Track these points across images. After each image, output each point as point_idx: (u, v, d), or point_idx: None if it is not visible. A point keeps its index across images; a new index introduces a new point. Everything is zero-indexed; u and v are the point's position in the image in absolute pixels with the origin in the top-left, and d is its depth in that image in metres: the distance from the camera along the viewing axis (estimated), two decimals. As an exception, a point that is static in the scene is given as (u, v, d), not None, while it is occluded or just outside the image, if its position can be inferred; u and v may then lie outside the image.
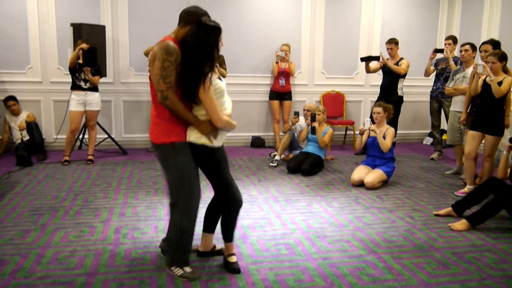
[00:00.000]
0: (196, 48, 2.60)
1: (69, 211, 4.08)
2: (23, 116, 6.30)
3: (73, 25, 6.01)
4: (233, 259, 3.02)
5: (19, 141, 6.15)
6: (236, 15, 7.00)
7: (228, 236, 3.04)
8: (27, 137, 6.18)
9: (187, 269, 2.89)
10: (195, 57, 2.60)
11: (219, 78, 2.80)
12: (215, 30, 2.67)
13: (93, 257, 3.14)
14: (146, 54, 5.96)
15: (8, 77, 6.38)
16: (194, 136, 2.74)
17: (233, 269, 2.96)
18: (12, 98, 6.21)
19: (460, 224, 3.82)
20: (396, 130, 6.24)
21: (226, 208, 2.96)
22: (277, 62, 6.90)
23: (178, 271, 2.87)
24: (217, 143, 2.79)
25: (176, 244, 2.88)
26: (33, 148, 6.11)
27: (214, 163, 2.81)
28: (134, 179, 5.16)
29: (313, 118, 5.64)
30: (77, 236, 3.52)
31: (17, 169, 5.51)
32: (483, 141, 4.75)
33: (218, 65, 6.08)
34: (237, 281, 2.86)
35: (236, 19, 7.00)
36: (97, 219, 3.89)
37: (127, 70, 6.77)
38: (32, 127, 6.25)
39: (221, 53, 6.38)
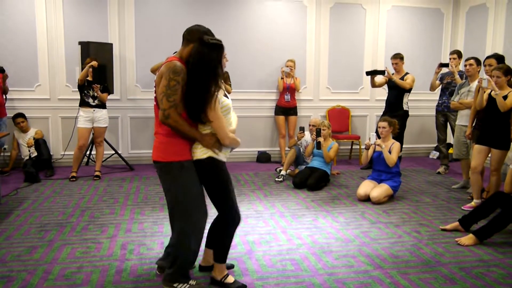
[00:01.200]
0: (200, 67, 2.62)
1: (76, 227, 4.10)
2: (31, 133, 6.37)
3: (81, 43, 6.12)
4: (231, 279, 2.97)
5: (27, 157, 6.22)
6: (241, 31, 7.08)
7: (221, 255, 2.95)
8: (35, 154, 6.25)
9: (192, 282, 2.89)
10: (200, 76, 2.62)
11: (225, 95, 2.83)
12: (218, 47, 2.68)
13: (100, 273, 3.15)
14: (153, 71, 6.04)
15: (17, 95, 6.48)
16: (199, 152, 2.76)
17: (239, 287, 2.94)
18: (21, 115, 6.29)
19: (467, 238, 3.80)
20: (402, 144, 6.23)
21: (226, 222, 2.90)
22: (282, 78, 6.95)
23: (184, 286, 2.87)
24: (222, 157, 2.80)
25: (182, 261, 2.87)
26: (41, 165, 6.16)
27: (220, 176, 2.81)
28: (141, 194, 5.19)
29: (318, 133, 5.66)
30: (84, 252, 3.53)
31: (25, 185, 5.56)
32: (489, 155, 4.74)
33: (223, 81, 6.17)
34: (242, 297, 2.85)
35: (241, 35, 7.08)
36: (104, 235, 3.91)
37: (134, 87, 6.84)
38: (40, 143, 6.32)
39: (226, 69, 6.52)
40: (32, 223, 4.18)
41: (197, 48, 2.65)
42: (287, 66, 6.92)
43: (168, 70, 2.61)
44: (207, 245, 3.16)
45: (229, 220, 2.88)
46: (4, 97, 6.11)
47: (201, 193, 2.82)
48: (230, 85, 6.41)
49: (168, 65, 2.64)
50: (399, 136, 6.03)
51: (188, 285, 2.86)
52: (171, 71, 2.60)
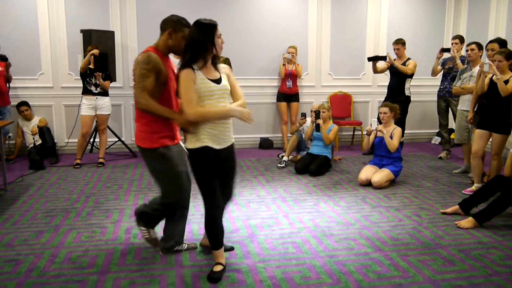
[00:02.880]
0: (190, 45, 2.75)
1: (81, 212, 4.17)
2: (35, 121, 6.43)
3: (83, 31, 6.14)
4: (216, 268, 2.96)
5: (32, 145, 6.28)
6: (242, 18, 7.08)
7: (211, 242, 3.00)
8: (39, 141, 6.31)
9: (152, 233, 3.22)
10: (187, 53, 2.74)
11: (217, 82, 2.82)
12: (210, 27, 2.79)
13: (105, 257, 3.22)
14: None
15: (20, 83, 6.52)
16: (189, 142, 2.83)
17: (209, 277, 2.91)
18: (25, 103, 6.34)
19: (467, 222, 3.84)
20: (403, 130, 6.26)
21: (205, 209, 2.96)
22: (284, 64, 6.96)
23: (145, 233, 3.19)
24: (212, 143, 2.81)
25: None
26: (46, 152, 6.23)
27: (194, 165, 2.84)
28: (144, 181, 5.25)
29: (317, 115, 5.68)
30: (89, 236, 3.60)
31: (30, 172, 5.62)
32: (490, 140, 4.76)
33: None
34: (245, 279, 2.92)
35: (242, 22, 7.08)
36: (108, 220, 3.98)
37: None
38: (44, 131, 6.37)
39: (227, 55, 6.53)
40: (38, 209, 4.25)
41: (191, 30, 2.80)
42: (289, 53, 6.92)
43: (139, 61, 2.86)
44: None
45: (204, 207, 2.92)
46: (8, 85, 6.15)
47: (177, 175, 3.03)
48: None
49: (141, 56, 2.89)
50: (401, 122, 6.05)
51: (185, 245, 3.31)
52: (142, 62, 2.84)
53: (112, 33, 6.43)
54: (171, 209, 3.17)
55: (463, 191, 4.85)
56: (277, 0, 7.17)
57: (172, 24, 2.95)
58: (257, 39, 7.17)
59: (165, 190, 3.10)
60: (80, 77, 5.99)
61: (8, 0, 6.37)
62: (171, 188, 3.07)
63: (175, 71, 2.93)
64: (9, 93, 6.19)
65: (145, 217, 3.18)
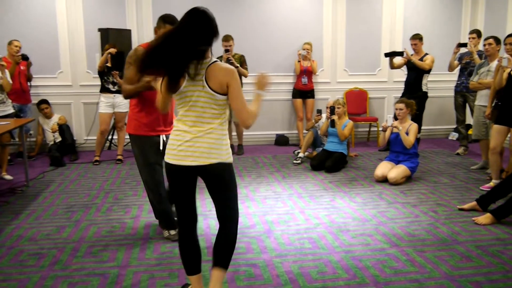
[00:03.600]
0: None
1: (100, 208, 4.25)
2: (55, 119, 6.55)
3: (100, 30, 6.23)
4: None
5: (52, 142, 6.41)
6: (258, 15, 7.10)
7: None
8: (59, 139, 6.43)
9: (172, 232, 3.49)
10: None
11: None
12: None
13: (125, 251, 3.29)
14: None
15: (40, 82, 6.65)
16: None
17: None
18: (45, 101, 6.46)
19: (485, 218, 3.82)
20: (420, 126, 6.23)
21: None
22: (299, 61, 6.96)
23: (166, 233, 3.52)
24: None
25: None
26: (65, 149, 6.35)
27: None
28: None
29: (332, 111, 5.69)
30: (109, 231, 3.68)
31: (51, 169, 5.74)
32: (508, 135, 4.71)
33: (239, 65, 6.24)
34: (262, 273, 2.96)
35: (258, 18, 7.10)
36: (128, 215, 4.05)
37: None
38: (63, 129, 6.49)
39: (243, 52, 6.56)
40: (59, 205, 4.35)
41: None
42: (304, 49, 6.92)
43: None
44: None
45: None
46: (29, 84, 6.28)
47: (147, 159, 3.33)
48: (246, 69, 6.46)
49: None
50: (418, 118, 6.02)
51: (168, 233, 3.52)
52: (127, 56, 3.25)
53: (128, 32, 6.52)
54: (153, 195, 3.45)
55: (481, 187, 4.82)
56: (292, -4, 7.18)
57: (158, 22, 3.20)
58: (272, 35, 7.19)
59: (140, 172, 3.45)
60: (98, 76, 6.09)
61: (28, 1, 6.50)
62: (141, 169, 3.41)
63: None
64: (30, 92, 6.32)
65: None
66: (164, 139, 3.36)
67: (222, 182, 2.38)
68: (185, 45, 2.18)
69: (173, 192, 2.46)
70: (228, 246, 2.49)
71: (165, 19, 3.16)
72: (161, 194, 3.43)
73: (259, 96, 2.55)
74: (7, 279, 2.88)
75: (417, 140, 5.71)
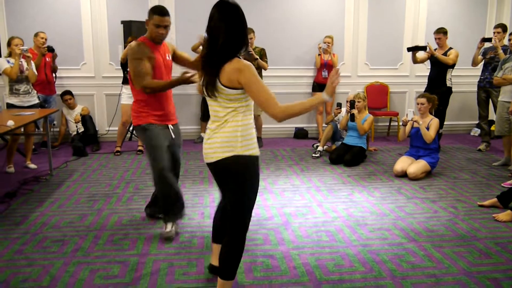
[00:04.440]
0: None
1: (121, 197, 4.34)
2: (78, 110, 6.68)
3: (123, 22, 6.31)
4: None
5: (75, 133, 6.54)
6: (278, 8, 7.09)
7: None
8: (82, 129, 6.56)
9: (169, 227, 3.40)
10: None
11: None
12: None
13: (144, 240, 3.36)
14: (194, 49, 6.17)
15: (64, 73, 6.78)
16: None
17: None
18: (68, 92, 6.60)
19: (505, 215, 3.78)
20: (443, 121, 6.15)
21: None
22: (319, 54, 6.94)
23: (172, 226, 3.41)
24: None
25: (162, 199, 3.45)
26: (88, 139, 6.48)
27: None
28: (182, 168, 5.37)
29: (352, 105, 5.66)
30: (130, 220, 3.76)
31: (74, 159, 5.87)
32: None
33: (259, 57, 6.25)
34: (279, 265, 2.99)
35: (279, 12, 7.09)
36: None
37: (174, 64, 6.99)
38: (86, 119, 6.62)
39: (263, 46, 6.56)
40: (81, 193, 4.45)
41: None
42: (325, 43, 6.89)
43: (129, 54, 3.24)
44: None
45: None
46: (54, 75, 6.41)
47: (156, 147, 3.29)
48: (266, 62, 6.47)
49: (129, 47, 3.32)
50: (441, 113, 5.94)
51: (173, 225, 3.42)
52: (130, 55, 3.22)
53: (151, 24, 6.57)
54: (164, 187, 3.36)
55: (502, 184, 4.75)
56: (313, -11, 7.14)
57: (148, 14, 3.23)
58: (293, 29, 7.17)
59: (150, 163, 3.38)
60: (120, 67, 6.18)
61: (53, -7, 6.63)
62: (152, 159, 3.33)
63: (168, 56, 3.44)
64: (55, 83, 6.46)
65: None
66: (172, 128, 3.44)
67: (231, 175, 2.28)
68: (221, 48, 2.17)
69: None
70: (228, 256, 2.32)
71: (154, 10, 3.22)
72: (166, 176, 3.31)
73: (319, 99, 2.34)
74: (32, 264, 2.98)
75: (439, 135, 5.65)
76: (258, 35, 6.51)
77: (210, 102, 2.31)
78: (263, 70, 6.55)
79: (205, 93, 2.26)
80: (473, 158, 5.95)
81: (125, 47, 6.03)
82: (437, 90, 5.97)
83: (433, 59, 6.19)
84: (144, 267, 2.96)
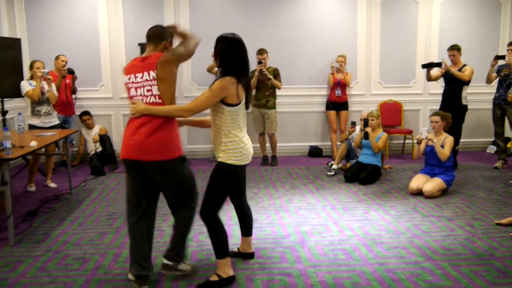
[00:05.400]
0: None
1: (139, 216, 4.41)
2: (96, 130, 6.83)
3: (140, 44, 6.46)
4: (213, 277, 3.02)
5: (93, 152, 6.68)
6: (291, 27, 7.21)
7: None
8: (100, 149, 6.69)
9: (187, 263, 3.13)
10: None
11: None
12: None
13: (163, 258, 3.40)
14: (209, 70, 6.30)
15: (83, 94, 6.96)
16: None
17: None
18: (87, 113, 6.76)
19: (523, 233, 3.76)
20: (459, 138, 6.13)
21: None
22: (332, 73, 7.02)
23: (186, 267, 3.07)
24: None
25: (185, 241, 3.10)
26: (106, 159, 6.60)
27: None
28: (198, 187, 5.44)
29: (365, 123, 5.70)
30: (148, 238, 3.82)
31: (92, 178, 5.98)
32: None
33: (272, 77, 6.35)
34: (296, 283, 3.02)
35: (291, 31, 7.22)
36: (165, 223, 4.19)
37: (190, 85, 7.15)
38: (104, 139, 6.76)
39: (276, 65, 6.67)
40: (101, 212, 4.54)
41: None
42: (338, 62, 6.98)
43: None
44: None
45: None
46: (73, 96, 6.58)
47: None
48: (280, 81, 6.57)
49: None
50: (457, 131, 5.93)
51: (189, 266, 3.09)
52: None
53: (167, 46, 6.73)
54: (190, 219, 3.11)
55: (519, 202, 4.73)
56: (326, 9, 7.26)
57: (169, 35, 3.01)
58: (306, 48, 7.28)
59: (192, 196, 3.10)
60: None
61: (73, 17, 6.85)
62: (192, 190, 3.10)
63: None
64: (74, 104, 6.62)
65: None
66: None
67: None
68: None
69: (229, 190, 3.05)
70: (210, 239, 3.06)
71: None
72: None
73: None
74: (54, 282, 3.05)
75: (455, 151, 5.64)
76: (271, 55, 6.63)
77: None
78: (276, 90, 6.65)
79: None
80: (489, 176, 5.92)
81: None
82: (453, 108, 5.97)
83: (447, 76, 6.20)
84: (164, 285, 3.01)
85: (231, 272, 3.03)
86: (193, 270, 3.12)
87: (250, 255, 3.40)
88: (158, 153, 2.82)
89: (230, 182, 2.97)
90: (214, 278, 3.00)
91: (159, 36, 2.96)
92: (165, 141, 2.83)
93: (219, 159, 2.91)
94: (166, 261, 3.05)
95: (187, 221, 3.07)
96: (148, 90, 2.85)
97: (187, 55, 2.89)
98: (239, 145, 2.88)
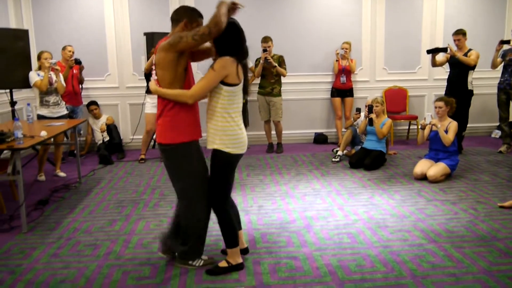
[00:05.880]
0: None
1: (148, 203, 4.51)
2: (103, 119, 6.91)
3: (146, 34, 6.51)
4: (222, 263, 3.08)
5: (101, 141, 6.77)
6: (296, 15, 7.22)
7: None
8: (107, 138, 6.78)
9: (204, 257, 3.15)
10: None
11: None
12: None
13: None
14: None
15: (90, 84, 7.03)
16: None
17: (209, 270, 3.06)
18: (94, 103, 6.84)
19: (526, 215, 3.81)
20: (466, 123, 6.14)
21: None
22: (337, 60, 7.03)
23: (199, 262, 3.11)
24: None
25: (198, 237, 3.08)
26: (113, 148, 6.69)
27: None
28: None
29: (370, 110, 5.74)
30: (157, 225, 3.91)
31: (100, 167, 6.08)
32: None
33: (277, 65, 6.39)
34: (302, 266, 3.10)
35: (297, 18, 7.22)
36: (173, 210, 4.27)
37: (196, 74, 7.16)
38: (111, 128, 6.84)
39: (281, 53, 6.69)
40: (110, 200, 4.64)
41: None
42: (342, 48, 6.99)
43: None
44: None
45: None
46: (80, 86, 6.66)
47: (199, 171, 3.02)
48: (285, 69, 6.60)
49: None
50: (463, 116, 5.94)
51: (202, 261, 3.12)
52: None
53: (172, 35, 6.77)
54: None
55: (523, 185, 4.77)
56: (330, -4, 7.26)
57: (187, 15, 2.87)
58: (311, 35, 7.29)
59: (182, 188, 3.03)
60: (144, 77, 6.39)
61: (79, 8, 6.89)
62: (187, 182, 3.01)
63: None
64: (81, 94, 6.70)
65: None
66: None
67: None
68: None
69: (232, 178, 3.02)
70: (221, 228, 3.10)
71: (198, 12, 2.95)
72: (209, 211, 3.10)
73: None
74: (68, 267, 3.15)
75: (461, 137, 5.68)
76: (276, 43, 6.66)
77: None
78: (282, 77, 6.68)
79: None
80: (493, 160, 5.95)
81: (148, 58, 6.24)
82: (458, 93, 5.96)
83: (453, 61, 6.16)
84: (173, 268, 3.10)
85: (240, 260, 3.08)
86: (207, 262, 3.15)
87: (244, 251, 3.25)
88: (159, 136, 2.92)
89: (231, 170, 2.97)
90: (224, 264, 3.06)
91: (175, 18, 2.90)
92: (166, 125, 2.86)
93: (216, 146, 2.85)
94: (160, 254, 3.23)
95: (184, 211, 3.05)
96: (155, 74, 2.90)
97: (200, 38, 2.70)
98: (236, 131, 2.85)
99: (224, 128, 2.82)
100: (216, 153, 2.89)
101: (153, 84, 2.86)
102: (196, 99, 2.79)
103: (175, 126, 2.85)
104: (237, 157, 2.93)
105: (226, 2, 2.73)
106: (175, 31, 2.86)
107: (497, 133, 7.54)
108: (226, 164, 2.91)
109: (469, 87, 6.13)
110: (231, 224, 3.02)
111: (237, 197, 4.58)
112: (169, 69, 2.78)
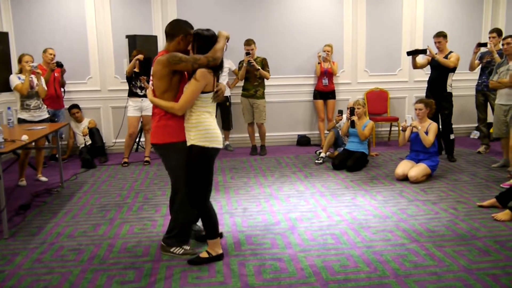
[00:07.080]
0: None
1: (132, 207, 4.49)
2: (85, 123, 6.85)
3: (128, 37, 6.50)
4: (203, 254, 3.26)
5: (83, 145, 6.70)
6: (278, 18, 7.27)
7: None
8: (89, 142, 6.72)
9: (186, 247, 3.36)
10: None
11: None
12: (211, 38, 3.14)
13: (157, 247, 3.50)
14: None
15: (72, 87, 6.96)
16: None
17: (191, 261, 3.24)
18: (76, 106, 6.77)
19: (504, 214, 3.91)
20: (451, 125, 6.16)
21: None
22: (319, 63, 7.10)
23: (179, 250, 3.33)
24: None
25: (184, 228, 3.36)
26: (95, 152, 6.63)
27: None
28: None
29: (351, 112, 5.82)
30: (141, 229, 3.90)
31: (83, 171, 6.02)
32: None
33: (260, 68, 6.43)
34: (287, 267, 3.13)
35: (278, 21, 7.28)
36: (158, 214, 4.27)
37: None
38: (93, 132, 6.78)
39: (264, 55, 6.73)
40: (93, 204, 4.60)
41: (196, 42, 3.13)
42: (324, 51, 7.07)
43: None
44: None
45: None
46: (62, 90, 6.58)
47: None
48: (268, 71, 6.64)
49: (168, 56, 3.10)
50: (448, 116, 6.04)
51: (183, 250, 3.33)
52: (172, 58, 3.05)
53: (155, 38, 6.77)
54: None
55: (501, 185, 4.88)
56: (312, -1, 7.33)
57: (184, 30, 3.15)
58: (293, 38, 7.35)
59: (181, 182, 3.29)
60: (126, 80, 6.35)
61: (59, 10, 6.82)
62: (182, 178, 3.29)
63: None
64: (63, 97, 6.62)
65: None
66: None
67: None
68: None
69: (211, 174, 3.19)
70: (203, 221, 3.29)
71: (190, 25, 3.24)
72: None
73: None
74: (51, 272, 3.12)
75: (451, 141, 5.84)
76: (259, 45, 6.70)
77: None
78: (265, 80, 6.72)
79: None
80: (472, 161, 6.08)
81: (130, 60, 6.21)
82: (438, 95, 6.04)
83: (433, 63, 6.17)
84: (158, 272, 3.10)
85: (220, 250, 3.25)
86: (187, 252, 3.34)
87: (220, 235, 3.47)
88: (152, 136, 3.23)
89: (208, 165, 3.14)
90: (204, 255, 3.22)
91: (171, 33, 3.16)
92: (160, 125, 3.15)
93: (192, 142, 3.08)
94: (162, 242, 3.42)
95: (177, 205, 3.30)
96: (151, 84, 3.21)
97: (198, 66, 3.02)
98: (209, 125, 3.09)
99: (197, 124, 3.06)
100: (193, 149, 3.08)
101: (149, 94, 3.18)
102: (185, 110, 3.07)
103: (169, 126, 3.14)
104: (214, 151, 3.13)
105: (224, 35, 3.13)
106: (171, 45, 3.14)
107: (475, 134, 7.70)
108: (203, 159, 3.09)
109: (448, 90, 6.16)
110: (211, 216, 3.21)
111: (221, 199, 4.59)
112: (164, 80, 3.07)
